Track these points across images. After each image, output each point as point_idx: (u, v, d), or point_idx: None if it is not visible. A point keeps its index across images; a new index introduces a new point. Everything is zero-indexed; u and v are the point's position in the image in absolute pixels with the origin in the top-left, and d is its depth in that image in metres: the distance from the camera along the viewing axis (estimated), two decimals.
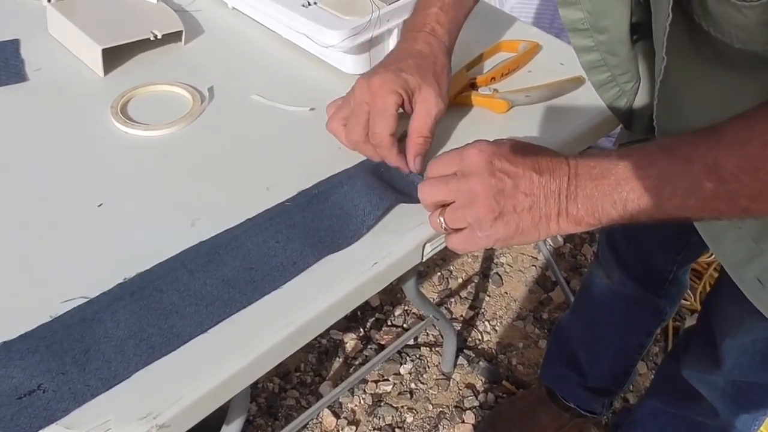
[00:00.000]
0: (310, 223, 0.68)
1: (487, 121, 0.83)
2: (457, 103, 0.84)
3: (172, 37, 0.91)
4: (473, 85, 0.86)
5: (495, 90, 0.85)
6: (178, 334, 0.58)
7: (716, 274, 1.77)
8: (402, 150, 0.72)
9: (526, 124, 0.83)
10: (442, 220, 0.62)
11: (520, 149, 0.61)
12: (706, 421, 1.10)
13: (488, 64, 0.92)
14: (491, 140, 0.62)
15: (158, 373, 0.56)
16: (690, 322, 1.72)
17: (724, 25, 0.55)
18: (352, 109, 0.72)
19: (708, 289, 1.77)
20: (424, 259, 0.70)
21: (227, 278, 0.62)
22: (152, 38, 0.87)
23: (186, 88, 0.83)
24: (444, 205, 0.63)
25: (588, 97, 0.81)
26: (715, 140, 0.54)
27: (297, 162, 0.75)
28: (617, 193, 0.57)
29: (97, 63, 0.84)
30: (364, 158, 0.75)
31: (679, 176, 0.55)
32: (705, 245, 1.14)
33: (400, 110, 0.71)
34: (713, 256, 1.75)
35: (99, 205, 0.69)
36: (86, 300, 0.60)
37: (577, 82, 0.87)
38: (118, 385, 0.54)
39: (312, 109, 0.82)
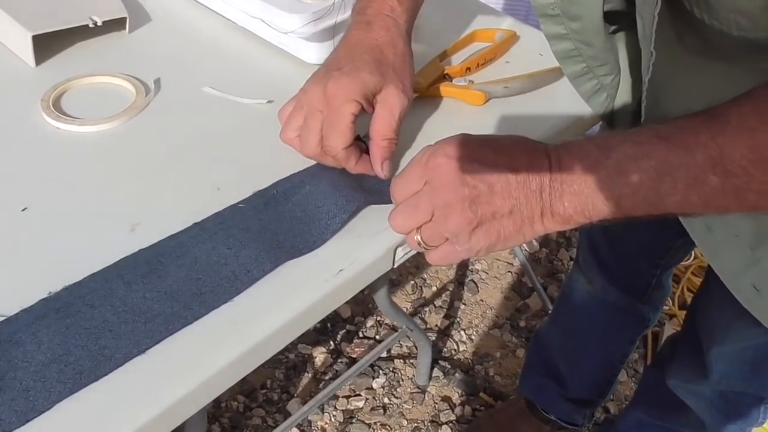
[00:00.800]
0: (267, 227, 0.61)
1: (462, 114, 0.77)
2: (430, 95, 0.78)
3: (115, 25, 0.83)
4: (447, 76, 0.80)
5: (470, 81, 0.79)
6: (110, 356, 0.51)
7: (695, 278, 1.75)
8: (366, 151, 0.66)
9: (503, 118, 0.77)
10: (419, 238, 0.57)
11: (491, 146, 0.56)
12: None
13: (462, 54, 0.85)
14: (456, 138, 0.56)
15: (86, 403, 0.48)
16: (669, 327, 1.69)
17: (722, 11, 0.50)
18: (305, 118, 0.65)
19: (686, 293, 1.75)
20: (396, 266, 0.64)
21: (170, 291, 0.55)
22: (91, 25, 0.79)
23: (129, 79, 0.76)
24: None
25: (569, 89, 0.75)
26: (719, 127, 0.48)
27: (253, 159, 0.68)
28: (609, 189, 0.52)
29: (27, 51, 0.76)
30: None
31: (680, 169, 0.49)
32: (689, 248, 1.11)
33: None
34: (691, 260, 1.75)
35: (23, 210, 0.61)
36: (3, 318, 0.52)
37: (557, 73, 0.81)
38: (36, 418, 0.47)
39: (270, 102, 0.75)
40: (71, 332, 0.51)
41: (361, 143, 0.66)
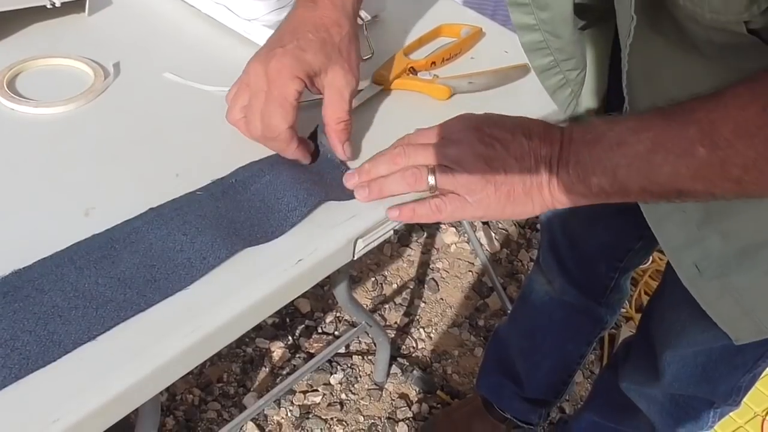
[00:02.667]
0: (225, 215, 0.59)
1: (426, 108, 0.76)
2: (395, 88, 0.78)
3: (74, 7, 0.80)
4: (412, 70, 0.80)
5: (435, 75, 0.79)
6: (59, 342, 0.49)
7: (652, 281, 1.77)
8: (317, 150, 0.66)
9: (468, 113, 0.76)
10: (432, 179, 0.58)
11: (509, 117, 0.60)
12: None
13: (428, 48, 0.85)
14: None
15: (32, 389, 0.47)
16: (625, 329, 1.71)
17: None
18: (249, 99, 0.63)
19: (643, 296, 1.77)
20: (356, 257, 0.63)
21: (123, 277, 0.54)
22: (49, 6, 0.77)
23: (87, 62, 0.74)
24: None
25: (534, 86, 0.76)
26: (714, 104, 0.51)
27: (212, 147, 0.67)
28: (608, 159, 0.55)
29: None
30: None
31: (673, 140, 0.52)
32: (648, 252, 1.12)
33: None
34: (649, 263, 1.77)
35: None
36: None
37: (523, 70, 0.81)
38: None
39: None
40: (19, 317, 0.50)
41: (310, 142, 0.66)
